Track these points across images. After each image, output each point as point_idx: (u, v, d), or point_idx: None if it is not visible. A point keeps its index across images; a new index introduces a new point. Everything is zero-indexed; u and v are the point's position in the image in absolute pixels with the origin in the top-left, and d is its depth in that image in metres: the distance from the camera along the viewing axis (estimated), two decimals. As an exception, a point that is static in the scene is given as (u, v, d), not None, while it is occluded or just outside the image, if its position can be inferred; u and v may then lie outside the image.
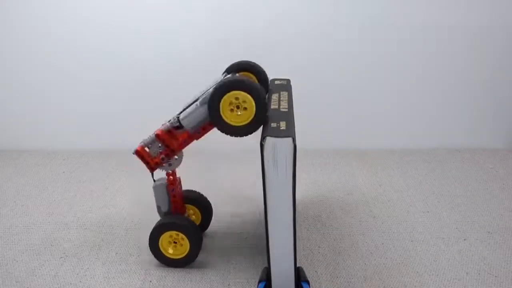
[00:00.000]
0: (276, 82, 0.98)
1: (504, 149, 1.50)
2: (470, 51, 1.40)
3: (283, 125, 0.69)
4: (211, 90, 0.72)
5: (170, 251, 0.87)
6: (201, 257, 0.92)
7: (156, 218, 0.90)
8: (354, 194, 1.19)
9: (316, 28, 1.37)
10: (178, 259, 0.87)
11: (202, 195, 1.00)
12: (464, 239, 0.97)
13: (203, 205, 0.98)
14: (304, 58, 1.40)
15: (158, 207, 0.89)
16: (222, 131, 0.74)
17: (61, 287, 0.83)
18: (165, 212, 0.89)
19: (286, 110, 0.77)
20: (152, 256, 0.92)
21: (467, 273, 0.86)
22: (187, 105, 0.80)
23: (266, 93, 0.88)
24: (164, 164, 0.84)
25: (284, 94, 0.87)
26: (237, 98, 0.70)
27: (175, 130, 0.81)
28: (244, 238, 0.99)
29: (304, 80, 1.28)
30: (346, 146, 1.51)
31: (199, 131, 0.79)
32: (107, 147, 1.52)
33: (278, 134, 0.65)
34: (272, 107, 0.79)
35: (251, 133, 0.73)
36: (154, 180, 0.88)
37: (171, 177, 0.87)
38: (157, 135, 0.81)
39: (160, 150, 0.82)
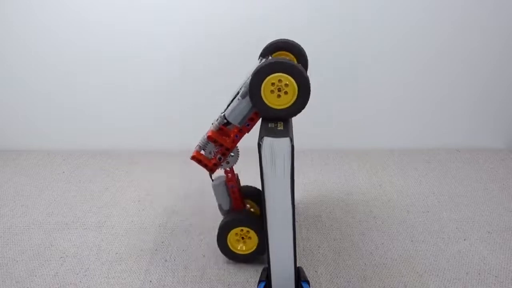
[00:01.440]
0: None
1: (504, 149, 1.50)
2: (470, 51, 1.40)
3: (280, 125, 0.69)
4: (250, 77, 0.70)
5: (239, 248, 0.87)
6: (200, 257, 0.92)
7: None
8: (354, 194, 1.19)
9: (315, 28, 1.37)
10: (249, 254, 0.87)
11: (258, 189, 0.98)
12: (464, 239, 0.97)
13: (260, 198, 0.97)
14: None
15: (220, 206, 0.90)
16: (266, 115, 0.71)
17: (61, 287, 0.83)
18: (227, 210, 0.89)
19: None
20: (152, 256, 0.92)
21: (467, 273, 0.86)
22: (230, 101, 0.79)
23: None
24: (222, 163, 0.83)
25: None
26: (280, 81, 0.68)
27: (225, 128, 0.80)
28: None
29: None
30: (346, 146, 1.50)
31: (248, 123, 0.77)
32: (107, 147, 1.52)
33: (276, 134, 0.65)
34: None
35: (294, 115, 0.71)
36: (212, 180, 0.88)
37: (229, 174, 0.86)
38: (208, 137, 0.80)
39: (216, 150, 0.82)
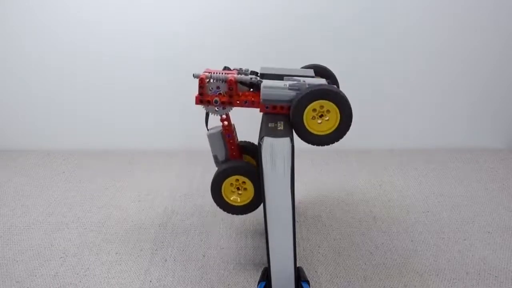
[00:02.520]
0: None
1: (504, 149, 1.50)
2: (470, 51, 1.40)
3: (280, 125, 0.69)
4: (301, 93, 0.69)
5: (232, 198, 0.83)
6: (200, 257, 0.92)
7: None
8: (354, 194, 1.19)
9: (315, 28, 1.37)
10: (243, 205, 0.83)
11: (255, 144, 0.93)
12: (464, 239, 0.97)
13: None
14: (303, 58, 1.40)
15: (215, 157, 0.85)
16: (299, 135, 0.71)
17: (61, 287, 0.83)
18: (222, 161, 0.85)
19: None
20: (152, 256, 0.92)
21: (467, 273, 0.86)
22: (272, 74, 0.76)
23: None
24: (213, 106, 0.77)
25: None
26: (322, 107, 0.69)
27: (243, 86, 0.77)
28: (244, 238, 0.99)
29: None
30: (346, 146, 1.50)
31: (269, 106, 0.74)
32: (107, 147, 1.52)
33: (276, 134, 0.65)
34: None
35: (328, 144, 0.72)
36: (208, 129, 0.83)
37: (225, 122, 0.82)
38: (229, 81, 0.74)
39: (218, 92, 0.76)
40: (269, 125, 0.69)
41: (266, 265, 0.76)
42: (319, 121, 0.71)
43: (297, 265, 0.77)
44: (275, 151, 0.64)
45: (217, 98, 0.76)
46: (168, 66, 1.42)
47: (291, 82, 0.73)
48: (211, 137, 0.84)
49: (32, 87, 1.46)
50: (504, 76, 1.43)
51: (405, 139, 1.52)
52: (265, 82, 0.73)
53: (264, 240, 0.90)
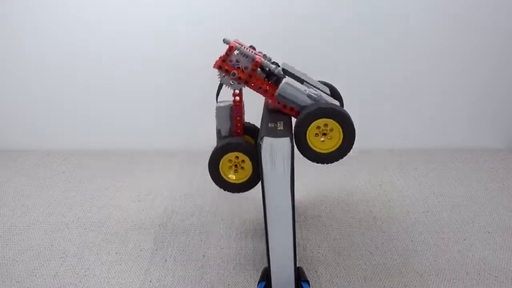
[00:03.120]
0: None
1: (504, 149, 1.50)
2: (470, 51, 1.40)
3: (280, 125, 0.69)
4: (310, 108, 0.69)
5: (229, 176, 0.80)
6: (200, 257, 0.92)
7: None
8: (354, 194, 1.19)
9: (315, 29, 1.37)
10: (239, 184, 0.80)
11: (257, 126, 0.92)
12: (464, 239, 0.97)
13: None
14: (303, 58, 1.40)
15: (218, 131, 0.82)
16: (299, 148, 0.71)
17: (61, 287, 0.83)
18: (224, 136, 0.83)
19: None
20: (152, 256, 0.92)
21: (467, 273, 0.86)
22: (294, 74, 0.76)
23: None
24: (231, 79, 0.75)
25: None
26: (326, 125, 0.69)
27: (262, 72, 0.75)
28: (244, 238, 0.99)
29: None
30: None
31: (280, 102, 0.73)
32: (107, 147, 1.52)
33: (276, 134, 0.65)
34: (269, 107, 0.80)
35: (326, 162, 0.72)
36: (218, 101, 0.81)
37: (237, 97, 0.79)
38: (256, 61, 0.73)
39: (237, 66, 0.74)
40: (269, 125, 0.69)
41: (266, 265, 0.76)
42: (322, 138, 0.71)
43: (297, 265, 0.77)
44: (275, 151, 0.64)
45: (235, 71, 0.74)
46: (168, 66, 1.42)
47: (311, 90, 0.73)
48: (219, 110, 0.81)
49: (32, 87, 1.46)
50: (504, 76, 1.43)
51: (405, 139, 1.52)
52: (288, 79, 0.73)
53: (264, 240, 0.90)
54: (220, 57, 0.74)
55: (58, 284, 0.84)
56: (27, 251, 0.95)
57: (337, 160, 0.72)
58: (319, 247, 0.95)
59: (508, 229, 1.01)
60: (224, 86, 0.78)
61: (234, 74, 0.74)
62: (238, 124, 0.82)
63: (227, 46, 0.74)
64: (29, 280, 0.85)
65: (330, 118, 0.69)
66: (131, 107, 1.48)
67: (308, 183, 1.26)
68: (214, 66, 0.74)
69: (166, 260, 0.91)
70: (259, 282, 0.78)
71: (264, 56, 0.79)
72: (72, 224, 1.05)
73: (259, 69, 0.75)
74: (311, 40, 1.39)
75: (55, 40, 1.39)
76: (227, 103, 0.81)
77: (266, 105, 0.82)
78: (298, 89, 0.72)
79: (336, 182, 1.26)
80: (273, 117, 0.73)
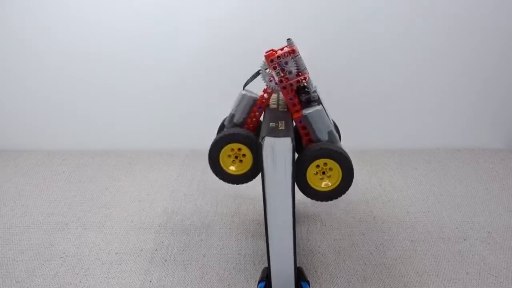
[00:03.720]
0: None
1: (504, 149, 1.50)
2: (470, 51, 1.40)
3: (281, 125, 0.69)
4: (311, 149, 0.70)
5: (228, 166, 0.79)
6: (200, 257, 0.92)
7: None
8: (354, 194, 1.19)
9: (315, 29, 1.37)
10: (236, 175, 0.79)
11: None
12: (464, 239, 0.97)
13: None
14: (303, 58, 1.40)
15: (231, 116, 0.81)
16: (298, 186, 0.72)
17: (61, 287, 0.83)
18: (235, 124, 0.81)
19: (285, 110, 0.77)
20: (152, 256, 0.92)
21: (467, 273, 0.86)
22: (324, 106, 0.76)
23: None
24: (271, 78, 0.75)
25: (284, 94, 0.87)
26: (325, 164, 0.70)
27: (291, 87, 0.73)
28: (244, 239, 0.99)
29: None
30: (346, 146, 1.50)
31: (302, 121, 0.73)
32: (107, 147, 1.52)
33: (277, 134, 0.65)
34: (271, 107, 0.80)
35: (323, 200, 0.73)
36: (244, 88, 0.80)
37: (266, 95, 0.79)
38: (305, 76, 0.73)
39: (283, 68, 0.73)
40: (270, 125, 0.69)
41: (266, 265, 0.75)
42: (321, 177, 0.71)
43: (297, 265, 0.77)
44: (276, 151, 0.64)
45: (280, 71, 0.73)
46: (169, 66, 1.42)
47: (333, 129, 0.74)
48: (243, 97, 0.79)
49: (32, 87, 1.46)
50: (504, 76, 1.43)
51: (405, 139, 1.52)
52: (321, 108, 0.73)
53: (264, 240, 0.90)
54: (277, 52, 0.73)
55: (58, 284, 0.84)
56: (27, 251, 0.95)
57: (333, 199, 0.73)
58: (319, 247, 0.95)
59: (508, 229, 1.01)
60: (261, 78, 0.76)
61: (278, 74, 0.73)
62: (254, 119, 0.80)
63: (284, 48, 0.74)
64: (29, 280, 0.85)
65: (330, 158, 0.70)
66: (131, 107, 1.48)
67: (308, 183, 1.25)
68: (267, 56, 0.73)
69: (166, 260, 0.91)
70: (259, 282, 0.78)
71: (313, 87, 0.78)
72: (72, 224, 1.05)
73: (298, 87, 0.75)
74: (311, 40, 1.38)
75: (55, 40, 1.39)
76: (253, 95, 0.80)
77: (268, 108, 0.81)
78: (324, 123, 0.72)
79: (336, 182, 1.26)
80: (273, 117, 0.73)
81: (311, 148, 0.70)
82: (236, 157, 0.78)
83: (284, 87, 0.73)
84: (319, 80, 1.43)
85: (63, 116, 1.50)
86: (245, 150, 0.77)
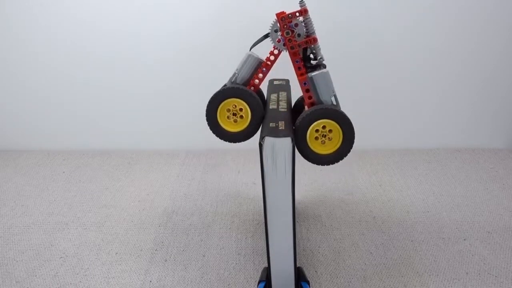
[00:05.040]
0: (275, 82, 0.98)
1: (504, 149, 1.50)
2: (470, 51, 1.40)
3: (281, 125, 0.69)
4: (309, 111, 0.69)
5: (225, 123, 0.77)
6: (200, 257, 0.92)
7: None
8: (354, 194, 1.19)
9: (315, 28, 1.36)
10: (233, 133, 0.77)
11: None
12: (464, 239, 0.97)
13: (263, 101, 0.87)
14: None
15: (234, 76, 0.79)
16: (300, 150, 0.72)
17: (61, 287, 0.83)
18: (237, 82, 0.79)
19: (285, 110, 0.77)
20: (152, 256, 0.92)
21: (467, 273, 0.86)
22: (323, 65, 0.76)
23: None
24: (279, 39, 0.75)
25: (283, 94, 0.88)
26: (324, 127, 0.69)
27: (298, 47, 0.74)
28: (244, 239, 0.99)
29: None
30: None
31: (307, 83, 0.73)
32: (107, 147, 1.52)
33: (277, 134, 0.65)
34: (271, 107, 0.79)
35: (326, 164, 0.72)
36: (251, 49, 0.80)
37: (272, 57, 0.78)
38: (314, 38, 0.74)
39: (293, 29, 0.73)
40: (270, 125, 0.69)
41: (266, 265, 0.75)
42: (322, 140, 0.71)
43: (297, 265, 0.77)
44: (276, 151, 0.64)
45: (289, 31, 0.73)
46: (168, 67, 1.42)
47: (332, 94, 0.73)
48: (250, 57, 0.78)
49: (32, 87, 1.46)
50: (504, 76, 1.43)
51: (405, 139, 1.52)
52: (327, 71, 0.72)
53: (264, 240, 0.90)
54: (284, 13, 0.73)
55: (58, 284, 0.84)
56: (27, 251, 0.95)
57: (336, 161, 0.72)
58: (319, 247, 0.95)
59: (508, 229, 1.01)
60: (269, 40, 0.76)
61: (288, 33, 0.73)
62: (256, 81, 0.80)
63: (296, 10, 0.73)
64: (29, 280, 0.85)
65: (330, 119, 0.69)
66: (131, 107, 1.48)
67: (308, 183, 1.26)
68: (278, 15, 0.73)
69: (166, 260, 0.91)
70: (259, 282, 0.78)
71: (316, 58, 0.78)
72: (72, 224, 1.05)
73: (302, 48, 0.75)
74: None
75: (55, 40, 1.39)
76: (259, 57, 0.79)
77: (268, 108, 0.81)
78: (328, 87, 0.72)
79: (336, 182, 1.26)
80: (274, 117, 0.73)
81: (309, 110, 0.69)
82: (234, 114, 0.76)
83: (291, 47, 0.73)
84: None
85: (63, 116, 1.50)
86: (244, 107, 0.75)
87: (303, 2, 0.74)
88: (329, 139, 0.70)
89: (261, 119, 0.76)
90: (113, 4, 1.34)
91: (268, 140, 0.64)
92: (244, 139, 0.78)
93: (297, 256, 0.75)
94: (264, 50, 0.82)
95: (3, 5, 1.35)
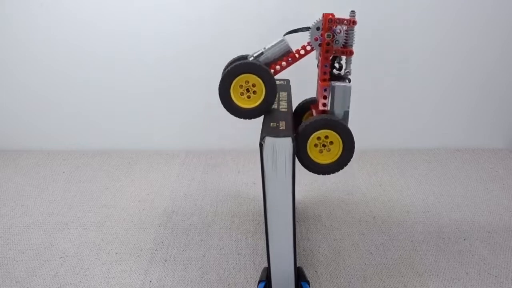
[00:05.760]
0: (276, 82, 0.98)
1: (504, 149, 1.50)
2: (470, 51, 1.40)
3: (282, 125, 0.69)
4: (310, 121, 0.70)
5: (238, 99, 0.75)
6: (200, 257, 0.92)
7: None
8: (354, 194, 1.19)
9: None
10: (251, 108, 0.75)
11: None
12: (464, 239, 0.97)
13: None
14: (303, 58, 1.40)
15: (259, 53, 0.79)
16: (299, 159, 0.72)
17: (61, 287, 0.83)
18: (259, 60, 0.78)
19: (286, 110, 0.77)
20: (152, 256, 0.92)
21: (467, 273, 0.86)
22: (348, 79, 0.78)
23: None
24: (317, 37, 0.75)
25: (284, 94, 0.88)
26: (326, 137, 0.70)
27: (332, 54, 0.75)
28: (244, 238, 0.99)
29: (303, 80, 1.28)
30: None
31: (327, 89, 0.75)
32: (107, 147, 1.52)
33: (278, 134, 0.65)
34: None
35: (324, 174, 0.73)
36: (285, 36, 0.80)
37: (302, 51, 0.78)
38: (350, 51, 0.75)
39: (332, 35, 0.74)
40: (271, 125, 0.69)
41: (266, 265, 0.75)
42: (320, 149, 0.71)
43: (297, 265, 0.77)
44: (276, 151, 0.64)
45: (330, 33, 0.73)
46: (169, 67, 1.42)
47: (346, 110, 0.75)
48: (282, 41, 0.79)
49: (32, 87, 1.46)
50: (503, 76, 1.43)
51: (405, 139, 1.52)
52: (350, 86, 0.75)
53: (264, 240, 0.90)
54: (338, 17, 0.74)
55: (58, 284, 0.84)
56: (27, 251, 0.95)
57: (336, 171, 0.73)
58: (319, 247, 0.95)
59: (508, 229, 1.01)
60: (308, 34, 0.76)
61: (329, 36, 0.74)
62: (277, 67, 0.79)
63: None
64: (29, 280, 0.85)
65: (336, 132, 0.70)
66: (131, 107, 1.48)
67: (308, 183, 1.26)
68: (326, 15, 0.74)
69: (166, 260, 0.91)
70: (259, 282, 0.78)
71: (345, 67, 0.79)
72: (72, 224, 1.05)
73: (331, 58, 0.76)
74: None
75: (55, 41, 1.39)
76: (289, 45, 0.79)
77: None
78: (345, 102, 0.74)
79: (336, 182, 1.26)
80: (274, 117, 0.73)
81: (313, 119, 0.69)
82: (247, 90, 0.74)
83: (327, 51, 0.74)
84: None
85: (63, 116, 1.50)
86: (257, 81, 0.74)
87: (354, 13, 0.74)
88: (328, 150, 0.71)
89: (274, 98, 0.75)
90: (113, 4, 1.34)
91: (268, 140, 0.64)
92: (259, 115, 0.76)
93: (297, 256, 0.75)
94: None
95: (3, 5, 1.35)
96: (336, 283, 0.84)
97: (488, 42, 1.38)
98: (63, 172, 1.35)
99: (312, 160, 0.71)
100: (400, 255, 0.92)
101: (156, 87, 1.45)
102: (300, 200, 1.15)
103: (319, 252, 0.93)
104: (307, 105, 0.88)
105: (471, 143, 1.51)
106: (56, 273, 0.87)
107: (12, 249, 0.95)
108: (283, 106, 0.80)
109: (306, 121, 0.70)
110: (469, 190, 1.20)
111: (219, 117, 1.47)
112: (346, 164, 0.73)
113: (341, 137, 0.70)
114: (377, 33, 1.37)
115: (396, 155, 1.46)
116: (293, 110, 0.88)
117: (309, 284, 0.77)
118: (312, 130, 0.69)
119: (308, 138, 0.69)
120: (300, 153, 0.70)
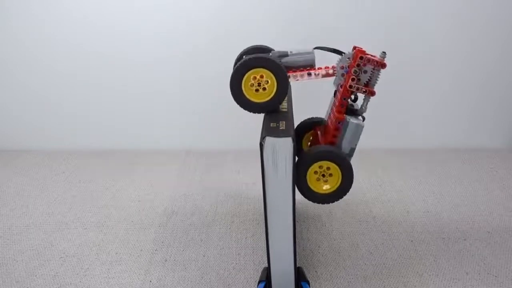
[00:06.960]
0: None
1: (504, 149, 1.50)
2: (470, 51, 1.40)
3: (282, 125, 0.69)
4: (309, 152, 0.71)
5: (249, 93, 0.73)
6: (200, 257, 0.92)
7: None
8: (354, 194, 1.19)
9: (314, 29, 1.37)
10: (261, 102, 0.74)
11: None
12: (464, 239, 0.97)
13: None
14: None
15: (283, 53, 0.79)
16: (298, 188, 0.73)
17: (61, 287, 0.83)
18: (282, 59, 0.78)
19: (286, 110, 0.77)
20: (152, 256, 0.92)
21: (467, 273, 0.86)
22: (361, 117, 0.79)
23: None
24: (343, 66, 0.76)
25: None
26: (320, 167, 0.71)
27: (352, 89, 0.75)
28: (244, 238, 0.99)
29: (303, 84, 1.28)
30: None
31: (338, 124, 0.75)
32: (107, 147, 1.52)
33: (278, 134, 0.65)
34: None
35: (333, 201, 0.76)
36: (316, 48, 0.81)
37: (324, 72, 0.79)
38: (373, 91, 0.77)
39: (358, 74, 0.75)
40: (271, 125, 0.69)
41: (266, 265, 0.75)
42: (318, 178, 0.72)
43: (297, 265, 0.77)
44: (276, 151, 0.64)
45: (358, 71, 0.75)
46: (169, 67, 1.42)
47: (353, 147, 0.76)
48: (310, 53, 0.79)
49: (32, 87, 1.46)
50: (504, 76, 1.43)
51: (405, 139, 1.52)
52: (363, 125, 0.76)
53: (264, 240, 0.90)
54: (370, 56, 0.74)
55: (58, 284, 0.84)
56: (27, 251, 0.95)
57: (332, 201, 0.76)
58: (319, 247, 0.95)
59: (508, 229, 1.01)
60: (337, 62, 0.77)
61: (356, 72, 0.74)
62: (294, 74, 0.78)
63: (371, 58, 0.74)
64: (29, 280, 0.85)
65: (336, 164, 0.71)
66: (131, 107, 1.48)
67: (308, 183, 1.25)
68: (358, 51, 0.74)
69: (166, 260, 0.91)
70: (259, 282, 0.78)
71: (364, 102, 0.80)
72: (72, 224, 1.05)
73: (348, 90, 0.76)
74: (310, 40, 1.38)
75: (55, 40, 1.39)
76: (315, 58, 0.80)
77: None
78: (355, 139, 0.75)
79: (336, 182, 1.26)
80: (274, 117, 0.73)
81: (316, 149, 0.70)
82: (259, 84, 0.74)
83: (350, 87, 0.74)
84: (318, 81, 1.43)
85: (63, 116, 1.50)
86: (270, 76, 0.73)
87: (385, 54, 0.75)
88: (325, 181, 0.73)
89: (285, 95, 0.75)
90: (113, 4, 1.34)
91: (268, 140, 0.64)
92: (275, 106, 0.75)
93: (297, 256, 0.75)
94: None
95: (3, 5, 1.35)
96: (336, 283, 0.84)
97: (488, 42, 1.38)
98: (63, 172, 1.35)
99: (307, 183, 0.72)
100: (400, 255, 0.92)
101: (156, 87, 1.45)
102: (300, 200, 1.15)
103: (319, 252, 0.93)
104: (310, 124, 0.88)
105: (471, 143, 1.51)
106: (56, 273, 0.87)
107: (12, 249, 0.95)
108: (283, 106, 0.80)
109: (314, 147, 0.72)
110: (469, 190, 1.20)
111: (219, 117, 1.48)
112: (338, 199, 0.75)
113: (342, 173, 0.72)
114: (375, 33, 1.37)
115: (396, 155, 1.46)
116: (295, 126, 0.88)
117: (309, 284, 0.77)
118: (318, 159, 0.70)
119: (311, 164, 0.70)
120: (298, 171, 0.71)
